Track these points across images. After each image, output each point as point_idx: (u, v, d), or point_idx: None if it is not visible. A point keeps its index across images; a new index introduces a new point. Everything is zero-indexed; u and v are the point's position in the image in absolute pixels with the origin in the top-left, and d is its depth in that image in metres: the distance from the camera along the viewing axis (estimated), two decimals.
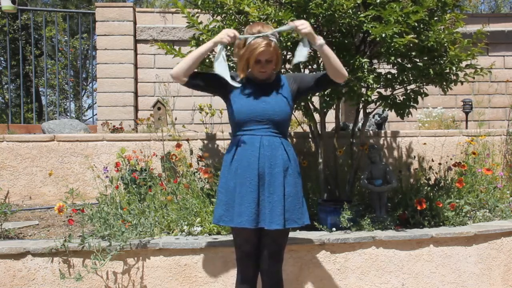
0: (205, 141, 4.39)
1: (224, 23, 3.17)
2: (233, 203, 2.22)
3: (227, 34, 2.19)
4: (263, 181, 2.21)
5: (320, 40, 2.24)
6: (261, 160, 2.21)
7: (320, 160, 3.60)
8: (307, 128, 4.01)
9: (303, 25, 2.20)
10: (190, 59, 2.24)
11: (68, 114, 9.12)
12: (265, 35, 2.16)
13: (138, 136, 4.43)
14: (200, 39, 3.25)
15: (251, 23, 2.55)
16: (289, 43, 2.99)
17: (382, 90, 3.60)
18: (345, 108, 5.74)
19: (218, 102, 5.51)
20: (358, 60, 3.01)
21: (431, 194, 3.50)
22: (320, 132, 3.68)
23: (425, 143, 4.61)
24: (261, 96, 2.27)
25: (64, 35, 11.77)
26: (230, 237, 2.85)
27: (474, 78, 3.38)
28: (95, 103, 6.63)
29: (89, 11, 7.35)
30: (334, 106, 3.55)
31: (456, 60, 3.16)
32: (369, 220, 3.12)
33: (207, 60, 3.46)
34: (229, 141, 2.42)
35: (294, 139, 4.40)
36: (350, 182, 3.66)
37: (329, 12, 2.81)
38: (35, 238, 3.26)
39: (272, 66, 2.26)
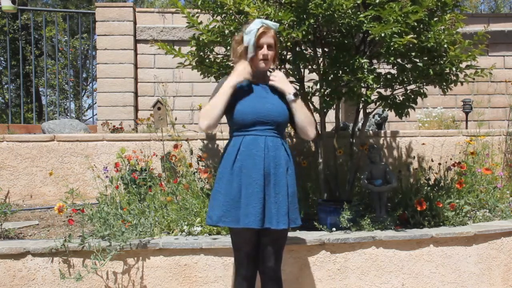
0: (205, 141, 4.40)
1: (224, 23, 3.17)
2: (236, 203, 2.20)
3: (239, 72, 2.23)
4: (269, 181, 2.21)
5: (290, 95, 2.26)
6: (266, 161, 2.21)
7: (320, 160, 3.60)
8: None
9: (275, 78, 2.26)
10: (217, 112, 2.21)
11: (68, 114, 9.12)
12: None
13: (138, 136, 4.43)
14: (200, 39, 3.25)
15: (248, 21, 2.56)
16: (288, 43, 3.00)
17: (382, 90, 3.61)
18: (345, 108, 5.74)
19: None
20: (358, 60, 3.01)
21: (431, 194, 3.50)
22: (320, 132, 3.68)
23: (424, 143, 4.61)
24: (265, 98, 2.28)
25: (64, 35, 11.78)
26: (230, 237, 2.85)
27: (474, 79, 3.38)
28: (95, 103, 6.63)
29: (89, 11, 7.35)
30: (334, 106, 3.55)
31: (456, 60, 3.16)
32: (369, 220, 3.12)
33: (207, 61, 3.47)
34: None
35: (294, 139, 4.40)
36: (350, 182, 3.67)
37: (328, 12, 2.81)
38: (35, 238, 3.26)
39: (272, 54, 2.27)
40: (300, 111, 2.29)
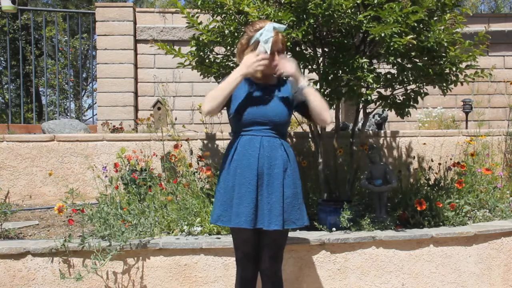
0: (205, 141, 4.40)
1: (224, 23, 3.17)
2: (231, 203, 2.22)
3: (251, 63, 2.19)
4: (262, 181, 2.21)
5: (303, 82, 2.26)
6: (260, 161, 2.21)
7: (320, 160, 3.60)
8: (307, 128, 4.01)
9: (290, 69, 2.23)
10: (222, 96, 2.20)
11: (68, 114, 9.12)
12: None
13: (138, 136, 4.43)
14: (200, 39, 3.25)
15: (250, 23, 2.56)
16: (288, 43, 2.99)
17: (382, 90, 3.61)
18: (345, 108, 5.74)
19: None
20: (357, 60, 3.01)
21: (431, 194, 3.50)
22: (320, 132, 3.68)
23: (424, 143, 4.61)
24: (263, 98, 2.28)
25: (64, 35, 11.78)
26: (230, 237, 2.85)
27: (474, 79, 3.38)
28: (95, 103, 6.64)
29: (89, 11, 7.35)
30: (334, 106, 3.55)
31: (456, 60, 3.15)
32: (369, 220, 3.12)
33: (206, 61, 3.47)
34: (229, 141, 2.43)
35: (294, 139, 4.40)
36: (350, 182, 3.66)
37: (328, 12, 2.81)
38: (35, 238, 3.26)
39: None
40: (314, 97, 2.28)
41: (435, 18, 3.10)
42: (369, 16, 2.89)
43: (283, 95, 2.32)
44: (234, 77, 2.21)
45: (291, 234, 2.87)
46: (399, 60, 3.27)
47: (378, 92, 3.55)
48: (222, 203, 2.24)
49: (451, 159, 4.23)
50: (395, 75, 3.36)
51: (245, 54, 2.26)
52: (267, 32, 2.20)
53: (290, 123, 2.44)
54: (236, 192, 2.21)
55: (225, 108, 2.32)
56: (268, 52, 2.19)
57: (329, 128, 4.00)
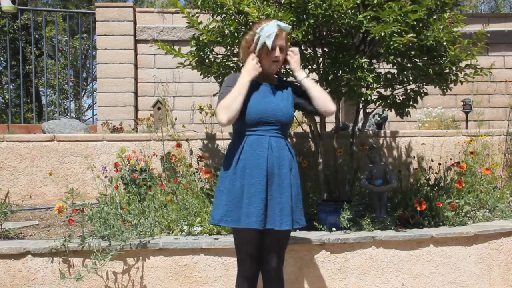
0: (205, 141, 4.40)
1: (224, 23, 3.17)
2: (238, 203, 2.20)
3: (253, 66, 2.25)
4: (272, 181, 2.20)
5: (301, 74, 2.33)
6: (269, 161, 2.20)
7: (320, 160, 3.60)
8: (307, 128, 4.01)
9: (292, 58, 2.34)
10: (237, 103, 2.19)
11: (68, 114, 9.13)
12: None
13: (138, 136, 4.44)
14: (200, 39, 3.25)
15: (251, 23, 2.56)
16: (289, 43, 2.99)
17: (382, 90, 3.61)
18: (345, 108, 5.75)
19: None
20: (357, 60, 3.01)
21: (431, 194, 3.50)
22: (320, 132, 3.68)
23: (424, 143, 4.61)
24: (270, 98, 2.29)
25: (64, 35, 11.78)
26: (230, 237, 2.86)
27: (474, 78, 3.38)
28: (95, 103, 6.64)
29: (89, 11, 7.35)
30: None
31: (456, 60, 3.15)
32: (369, 220, 3.12)
33: (206, 61, 3.47)
34: (229, 141, 2.42)
35: (294, 139, 4.40)
36: (350, 182, 3.67)
37: (328, 13, 2.81)
38: (35, 238, 3.26)
39: (283, 56, 2.30)
40: (316, 87, 2.33)
41: (434, 17, 3.10)
42: (369, 16, 2.89)
43: (286, 95, 2.34)
44: (243, 84, 2.22)
45: (291, 234, 2.87)
46: (399, 59, 3.27)
47: (378, 92, 3.55)
48: (227, 203, 2.22)
49: (451, 159, 4.23)
50: (395, 75, 3.36)
51: (250, 51, 2.29)
52: (269, 28, 2.20)
53: (292, 122, 2.45)
54: (246, 192, 2.19)
55: None
56: (270, 46, 2.21)
57: (329, 128, 4.00)
